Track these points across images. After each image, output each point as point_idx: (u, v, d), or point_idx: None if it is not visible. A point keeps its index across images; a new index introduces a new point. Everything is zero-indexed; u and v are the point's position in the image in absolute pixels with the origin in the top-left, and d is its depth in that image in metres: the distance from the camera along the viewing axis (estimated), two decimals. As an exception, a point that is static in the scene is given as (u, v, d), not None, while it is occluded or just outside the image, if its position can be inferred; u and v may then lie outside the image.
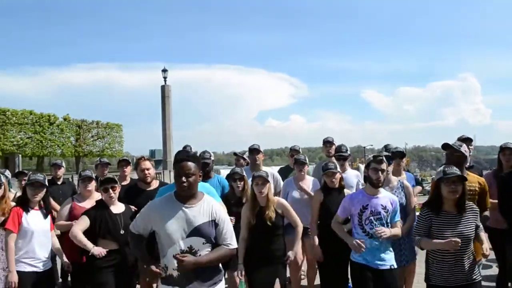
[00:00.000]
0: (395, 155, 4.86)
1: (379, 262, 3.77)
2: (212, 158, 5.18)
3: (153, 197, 4.42)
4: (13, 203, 4.19)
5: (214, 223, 2.91)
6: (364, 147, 64.49)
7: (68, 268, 4.12)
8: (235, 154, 6.56)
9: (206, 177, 4.91)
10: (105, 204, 4.21)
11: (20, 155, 25.27)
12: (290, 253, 4.26)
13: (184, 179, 2.84)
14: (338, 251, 4.26)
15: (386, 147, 5.40)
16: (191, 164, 2.87)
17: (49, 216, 4.11)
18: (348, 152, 5.53)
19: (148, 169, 4.67)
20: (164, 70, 26.20)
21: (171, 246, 2.86)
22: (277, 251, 4.26)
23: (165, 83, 26.27)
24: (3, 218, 3.98)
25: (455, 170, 3.41)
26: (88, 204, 4.56)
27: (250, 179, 5.39)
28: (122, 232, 4.05)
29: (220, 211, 2.99)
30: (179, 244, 2.84)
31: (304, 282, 5.89)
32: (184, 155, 3.01)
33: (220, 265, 3.09)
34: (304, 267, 5.82)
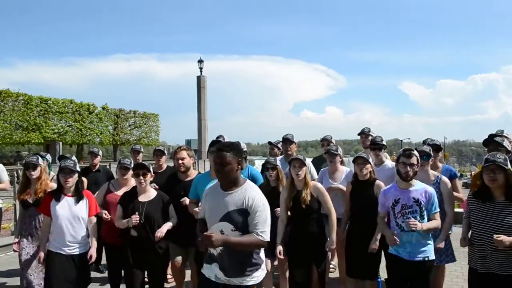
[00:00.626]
0: (433, 149, 4.68)
1: (411, 254, 3.75)
2: (245, 149, 5.15)
3: (189, 188, 4.50)
4: (55, 185, 4.45)
5: (245, 212, 2.93)
6: (401, 141, 63.02)
7: (90, 258, 4.20)
8: (269, 143, 6.52)
9: None
10: (135, 191, 4.26)
11: (60, 143, 26.08)
12: (328, 243, 4.24)
13: (217, 168, 2.94)
14: (366, 245, 4.23)
15: (425, 142, 5.21)
16: (226, 153, 2.92)
17: (84, 202, 4.18)
18: (384, 142, 5.31)
19: (183, 159, 4.68)
20: (200, 61, 26.39)
21: (210, 228, 3.00)
22: (314, 234, 4.25)
23: (201, 73, 26.47)
24: (38, 196, 4.42)
25: (497, 158, 3.35)
26: (122, 192, 4.64)
27: (287, 169, 5.39)
28: (142, 221, 4.10)
29: (255, 200, 2.96)
30: (214, 227, 2.96)
31: (334, 274, 5.83)
32: (220, 145, 3.05)
33: (263, 254, 3.11)
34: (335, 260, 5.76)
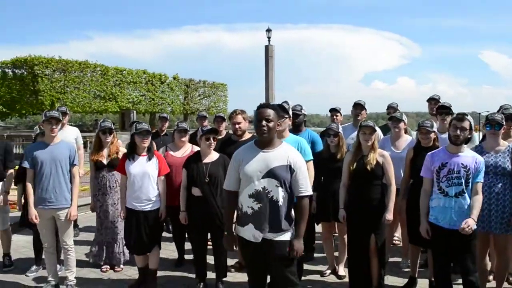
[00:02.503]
0: (507, 118, 4.42)
1: (452, 222, 3.61)
2: (304, 112, 5.21)
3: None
4: (124, 149, 4.93)
5: (290, 168, 3.04)
6: (479, 114, 59.16)
7: (160, 215, 4.51)
8: (331, 109, 6.48)
9: (297, 130, 4.98)
10: (199, 155, 4.47)
11: (135, 111, 27.33)
12: (386, 214, 4.20)
13: (263, 123, 3.03)
14: None
15: (501, 108, 4.92)
16: (269, 111, 3.06)
17: (154, 162, 4.46)
18: (451, 108, 5.04)
19: (239, 123, 4.83)
20: (268, 30, 26.20)
21: (247, 186, 3.08)
22: (374, 201, 4.21)
23: (269, 43, 26.31)
24: (111, 158, 4.93)
25: None
26: (179, 153, 5.03)
27: (352, 134, 5.35)
28: (206, 179, 4.32)
29: (297, 158, 3.10)
30: (254, 184, 3.04)
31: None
32: (263, 103, 3.18)
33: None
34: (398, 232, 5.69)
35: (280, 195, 3.04)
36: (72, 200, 4.44)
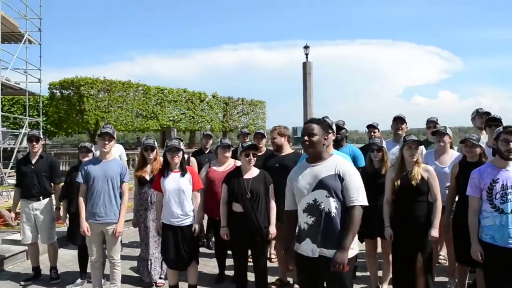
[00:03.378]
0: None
1: (510, 241, 3.43)
2: (346, 127, 5.20)
3: (283, 162, 4.74)
4: None
5: (339, 177, 3.00)
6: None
7: (194, 230, 4.52)
8: (369, 126, 6.38)
9: (338, 146, 4.97)
10: (239, 170, 4.50)
11: (175, 129, 27.82)
12: (431, 231, 4.06)
13: (306, 138, 3.06)
14: None
15: None
16: (313, 125, 3.09)
17: (187, 177, 4.50)
18: (501, 120, 4.84)
19: (274, 138, 4.93)
20: (306, 47, 26.27)
21: (300, 201, 3.10)
22: (420, 218, 4.08)
23: (307, 59, 26.34)
24: (153, 174, 4.99)
25: None
26: (221, 168, 5.10)
27: (392, 149, 5.26)
28: (248, 195, 4.33)
29: (346, 167, 3.05)
30: (305, 198, 3.05)
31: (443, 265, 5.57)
32: (309, 119, 3.22)
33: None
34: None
35: (332, 205, 2.97)
36: (120, 216, 4.58)
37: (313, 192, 3.02)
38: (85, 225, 4.47)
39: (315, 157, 3.11)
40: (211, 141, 7.21)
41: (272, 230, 4.40)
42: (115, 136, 4.60)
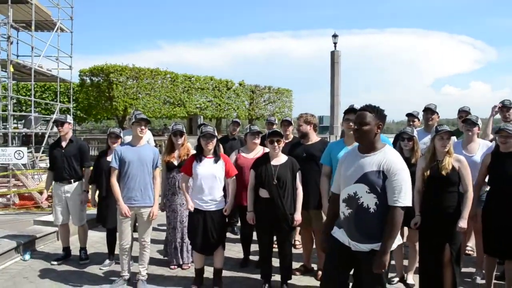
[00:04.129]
0: None
1: None
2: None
3: (309, 150, 4.72)
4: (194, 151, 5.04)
5: (382, 174, 2.88)
6: None
7: (225, 211, 4.58)
8: (408, 114, 6.28)
9: None
10: (267, 157, 4.50)
11: (202, 117, 28.03)
12: (459, 222, 3.99)
13: (356, 126, 2.96)
14: (508, 220, 3.92)
15: None
16: (367, 113, 2.95)
17: (221, 164, 4.55)
18: None
19: (300, 126, 4.90)
20: (335, 36, 25.94)
21: (342, 190, 3.05)
22: (450, 208, 4.01)
23: (335, 48, 26.03)
24: (181, 159, 5.09)
25: None
26: (251, 155, 5.13)
27: (424, 139, 5.18)
28: (275, 182, 4.33)
29: (393, 164, 2.88)
30: (347, 188, 2.98)
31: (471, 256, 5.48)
32: (364, 105, 3.03)
33: None
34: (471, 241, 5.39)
35: (372, 202, 2.88)
36: (154, 200, 4.69)
37: (355, 184, 2.94)
38: (124, 208, 4.55)
39: (367, 146, 2.98)
40: (238, 128, 7.27)
41: (297, 217, 4.40)
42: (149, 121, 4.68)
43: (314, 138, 4.92)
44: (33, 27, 12.99)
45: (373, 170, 2.89)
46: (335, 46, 25.94)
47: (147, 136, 6.58)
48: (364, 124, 2.92)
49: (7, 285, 4.83)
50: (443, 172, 3.98)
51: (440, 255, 4.01)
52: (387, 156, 2.92)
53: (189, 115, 28.21)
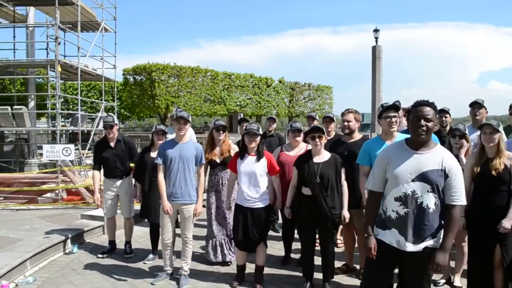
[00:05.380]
0: None
1: None
2: None
3: (351, 148, 4.60)
4: (236, 146, 5.20)
5: (444, 173, 2.82)
6: None
7: (276, 208, 4.64)
8: (440, 110, 6.08)
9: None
10: (310, 154, 4.45)
11: (242, 114, 28.11)
12: (503, 221, 3.80)
13: (423, 122, 2.83)
14: None
15: None
16: (429, 109, 2.86)
17: (264, 162, 4.54)
18: None
19: (349, 121, 4.75)
20: (376, 30, 25.44)
21: (394, 188, 2.92)
22: (500, 209, 3.83)
23: (376, 43, 25.54)
24: (223, 157, 5.15)
25: None
26: (293, 152, 5.10)
27: (471, 136, 5.00)
28: (317, 180, 4.27)
29: (452, 163, 2.86)
30: (403, 187, 2.87)
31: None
32: (424, 100, 2.94)
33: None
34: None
35: (432, 201, 2.84)
36: (198, 197, 4.72)
37: (413, 182, 2.85)
38: (167, 205, 4.61)
39: (422, 143, 2.89)
40: (274, 125, 7.22)
41: (346, 214, 4.35)
42: (190, 119, 4.70)
43: (357, 135, 4.82)
44: (79, 28, 13.39)
45: (434, 169, 2.82)
46: (376, 41, 25.46)
47: (190, 132, 6.67)
48: (430, 121, 2.84)
49: (56, 276, 5.01)
50: (493, 172, 3.81)
51: (490, 257, 3.86)
52: (444, 155, 2.87)
53: (229, 112, 28.36)
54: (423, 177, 2.82)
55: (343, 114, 4.85)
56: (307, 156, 4.48)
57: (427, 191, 2.82)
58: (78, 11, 13.26)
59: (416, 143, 2.90)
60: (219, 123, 5.25)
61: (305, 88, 32.92)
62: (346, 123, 4.76)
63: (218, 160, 5.22)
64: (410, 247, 2.88)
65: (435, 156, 2.85)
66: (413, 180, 2.84)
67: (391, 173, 2.93)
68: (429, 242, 2.88)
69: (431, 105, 2.88)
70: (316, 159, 4.39)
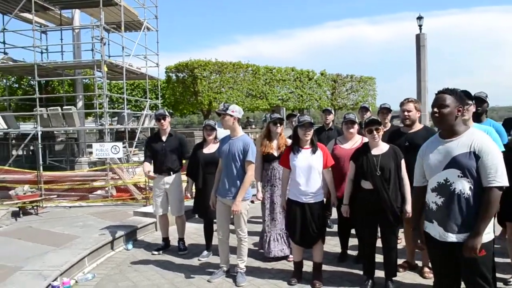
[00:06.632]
0: None
1: None
2: (488, 100, 4.80)
3: (412, 139, 4.37)
4: (289, 140, 5.06)
5: (474, 154, 2.70)
6: None
7: (333, 204, 4.55)
8: (476, 98, 5.71)
9: (477, 120, 4.62)
10: (367, 147, 4.28)
11: (284, 108, 27.95)
12: None
13: (435, 109, 2.82)
14: None
15: None
16: (445, 96, 2.81)
17: (319, 154, 4.40)
18: None
19: (409, 111, 4.50)
20: (419, 18, 24.59)
21: (430, 179, 2.90)
22: None
23: (420, 31, 24.68)
24: (280, 151, 5.03)
25: None
26: (348, 145, 4.95)
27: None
28: (378, 172, 4.09)
29: (484, 142, 2.72)
30: (436, 176, 2.84)
31: None
32: (442, 88, 2.90)
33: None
34: None
35: (466, 186, 2.71)
36: (238, 194, 4.45)
37: (444, 170, 2.79)
38: (212, 199, 4.67)
39: (448, 131, 2.84)
40: (331, 116, 7.01)
41: (409, 208, 4.12)
42: (232, 114, 4.57)
43: (418, 125, 4.58)
44: (122, 28, 13.62)
45: (462, 152, 2.72)
46: (420, 29, 24.62)
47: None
48: (444, 107, 2.78)
49: (114, 273, 5.05)
50: None
51: None
52: (475, 137, 2.76)
53: (271, 107, 28.23)
54: (453, 163, 2.75)
55: (402, 104, 4.60)
56: (365, 148, 4.30)
57: (458, 176, 2.73)
58: (121, 11, 13.49)
59: (445, 132, 2.87)
60: (275, 116, 5.16)
61: (347, 80, 32.37)
62: (406, 113, 4.52)
63: (275, 154, 5.11)
64: (451, 237, 2.77)
65: (464, 140, 2.77)
66: (444, 168, 2.79)
67: (426, 166, 2.93)
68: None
69: (450, 91, 2.83)
70: (374, 151, 4.21)
